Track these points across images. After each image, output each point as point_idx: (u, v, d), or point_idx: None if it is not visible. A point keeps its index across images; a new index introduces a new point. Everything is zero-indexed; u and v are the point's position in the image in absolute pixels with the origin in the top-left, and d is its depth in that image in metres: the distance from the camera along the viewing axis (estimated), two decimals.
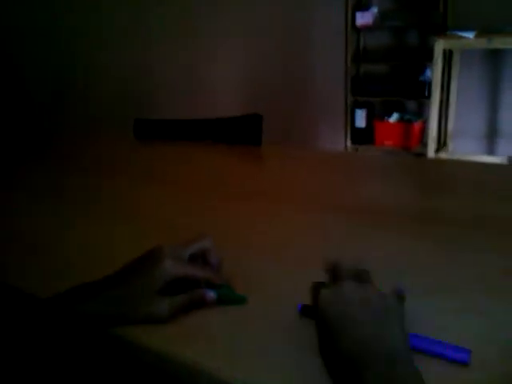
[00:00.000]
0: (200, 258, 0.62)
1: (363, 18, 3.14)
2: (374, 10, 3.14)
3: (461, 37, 2.66)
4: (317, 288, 0.51)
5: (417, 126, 3.20)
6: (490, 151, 3.16)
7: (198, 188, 1.09)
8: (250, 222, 0.87)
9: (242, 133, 1.51)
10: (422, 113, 3.31)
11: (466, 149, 3.18)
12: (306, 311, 0.55)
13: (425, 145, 3.01)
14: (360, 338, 0.43)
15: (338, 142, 3.53)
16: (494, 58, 2.96)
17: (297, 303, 0.56)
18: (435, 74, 2.76)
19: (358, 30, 3.30)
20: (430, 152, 2.90)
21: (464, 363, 0.47)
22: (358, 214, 0.86)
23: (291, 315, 0.56)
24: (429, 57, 2.83)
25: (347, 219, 0.85)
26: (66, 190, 1.13)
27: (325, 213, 0.88)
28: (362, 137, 3.42)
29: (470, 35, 2.64)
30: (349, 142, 3.48)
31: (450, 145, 3.25)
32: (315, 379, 0.46)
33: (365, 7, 3.20)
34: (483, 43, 2.64)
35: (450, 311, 0.55)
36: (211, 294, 0.57)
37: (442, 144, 3.23)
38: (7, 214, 0.99)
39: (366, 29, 3.25)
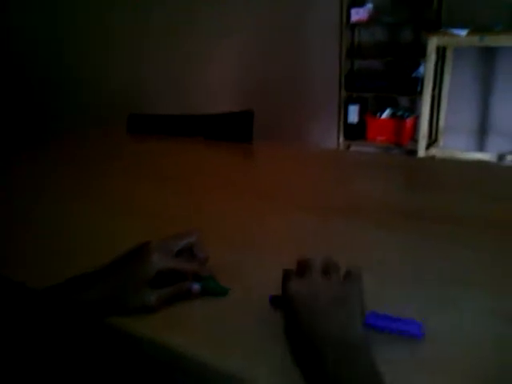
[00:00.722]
0: (188, 251, 0.65)
1: (358, 14, 3.16)
2: (369, 6, 3.16)
3: (453, 34, 2.69)
4: (286, 276, 0.56)
5: (409, 122, 3.23)
6: (481, 147, 3.21)
7: (186, 184, 1.12)
8: (236, 218, 0.90)
9: (232, 129, 1.54)
10: (414, 109, 3.34)
11: (457, 145, 3.22)
12: (275, 302, 0.59)
13: (416, 141, 3.05)
14: (320, 325, 0.49)
15: (330, 137, 3.56)
16: (485, 55, 2.99)
17: (268, 294, 0.60)
18: (427, 70, 2.79)
19: (352, 26, 3.32)
20: (421, 149, 2.94)
21: (417, 337, 0.51)
22: (344, 211, 0.90)
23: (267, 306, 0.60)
24: (422, 53, 2.86)
25: (333, 216, 0.88)
26: (61, 185, 1.16)
27: (311, 210, 0.92)
28: (355, 132, 3.44)
29: (463, 33, 2.67)
30: (341, 138, 3.50)
31: (441, 140, 3.29)
32: (286, 365, 0.50)
33: (360, 3, 3.22)
34: (475, 41, 2.67)
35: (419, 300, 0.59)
36: (196, 287, 0.61)
37: (432, 139, 3.27)
38: (5, 211, 1.02)
39: (361, 24, 3.27)
